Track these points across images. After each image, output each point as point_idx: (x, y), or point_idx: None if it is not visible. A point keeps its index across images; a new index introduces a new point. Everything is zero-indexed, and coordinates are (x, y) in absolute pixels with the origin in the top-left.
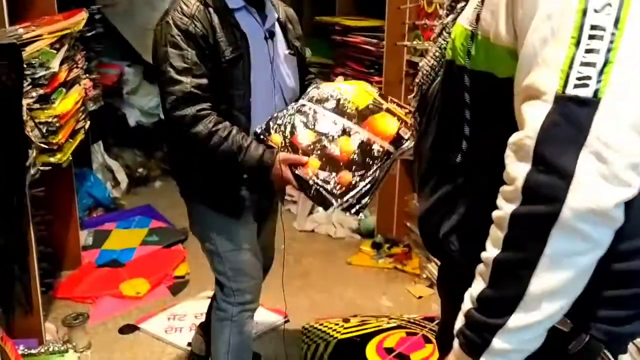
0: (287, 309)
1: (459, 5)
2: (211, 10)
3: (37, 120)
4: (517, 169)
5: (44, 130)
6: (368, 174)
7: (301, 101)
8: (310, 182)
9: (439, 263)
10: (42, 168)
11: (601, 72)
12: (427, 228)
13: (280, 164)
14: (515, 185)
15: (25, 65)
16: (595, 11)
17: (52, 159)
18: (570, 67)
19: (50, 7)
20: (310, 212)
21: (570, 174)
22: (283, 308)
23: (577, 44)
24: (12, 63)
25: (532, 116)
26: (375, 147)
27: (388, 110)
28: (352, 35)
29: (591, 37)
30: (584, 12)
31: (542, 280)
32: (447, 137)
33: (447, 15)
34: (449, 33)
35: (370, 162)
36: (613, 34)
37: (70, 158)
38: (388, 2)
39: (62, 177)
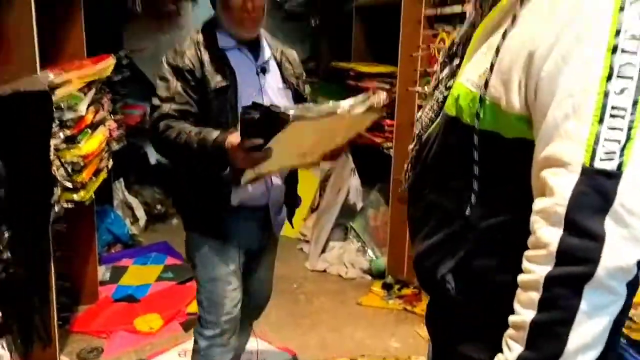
0: (297, 348)
1: (455, 62)
2: (202, 48)
3: (63, 160)
4: (549, 234)
5: (70, 170)
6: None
7: None
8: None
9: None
10: (65, 205)
11: (623, 148)
12: (423, 269)
13: (232, 138)
14: (549, 250)
15: (54, 109)
16: (616, 93)
17: (75, 197)
18: (596, 143)
19: (80, 51)
20: (322, 252)
21: (601, 237)
22: (292, 346)
23: (601, 121)
24: (43, 109)
25: (560, 185)
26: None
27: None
28: (366, 81)
29: (613, 116)
30: (606, 94)
31: (579, 335)
32: (449, 187)
33: (442, 70)
34: (446, 87)
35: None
36: (632, 114)
37: (93, 196)
38: (401, 49)
39: (83, 214)
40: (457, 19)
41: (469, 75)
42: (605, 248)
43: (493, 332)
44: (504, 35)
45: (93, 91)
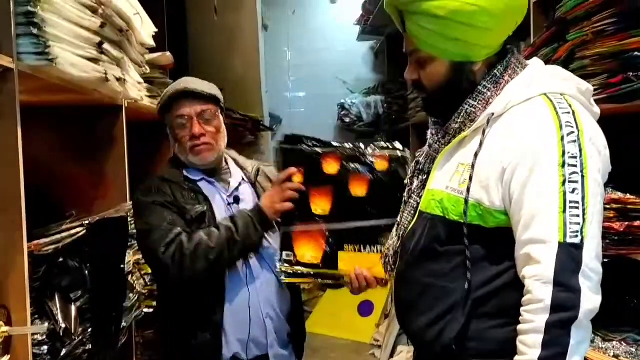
0: None
1: (422, 177)
2: (171, 183)
3: (143, 272)
4: (543, 292)
5: (147, 280)
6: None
7: None
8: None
9: None
10: (146, 310)
11: (582, 228)
12: (426, 340)
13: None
14: (545, 303)
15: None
16: (570, 193)
17: (154, 303)
18: (564, 226)
19: None
20: (391, 356)
21: (579, 290)
22: None
23: (564, 212)
24: (120, 231)
25: (545, 256)
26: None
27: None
28: None
29: (571, 207)
30: (564, 194)
31: None
32: (442, 271)
33: (412, 183)
34: (419, 195)
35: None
36: (583, 205)
37: None
38: None
39: None
40: None
41: (447, 184)
42: (582, 297)
43: None
44: (475, 155)
45: None
